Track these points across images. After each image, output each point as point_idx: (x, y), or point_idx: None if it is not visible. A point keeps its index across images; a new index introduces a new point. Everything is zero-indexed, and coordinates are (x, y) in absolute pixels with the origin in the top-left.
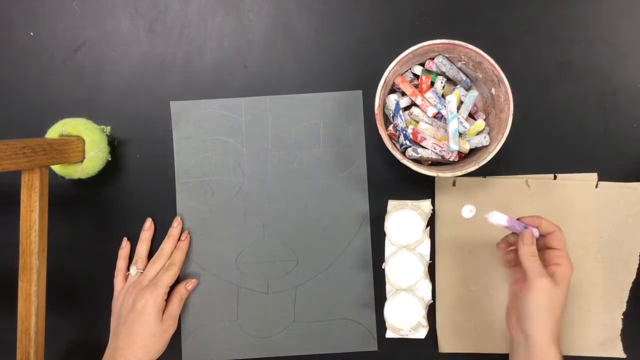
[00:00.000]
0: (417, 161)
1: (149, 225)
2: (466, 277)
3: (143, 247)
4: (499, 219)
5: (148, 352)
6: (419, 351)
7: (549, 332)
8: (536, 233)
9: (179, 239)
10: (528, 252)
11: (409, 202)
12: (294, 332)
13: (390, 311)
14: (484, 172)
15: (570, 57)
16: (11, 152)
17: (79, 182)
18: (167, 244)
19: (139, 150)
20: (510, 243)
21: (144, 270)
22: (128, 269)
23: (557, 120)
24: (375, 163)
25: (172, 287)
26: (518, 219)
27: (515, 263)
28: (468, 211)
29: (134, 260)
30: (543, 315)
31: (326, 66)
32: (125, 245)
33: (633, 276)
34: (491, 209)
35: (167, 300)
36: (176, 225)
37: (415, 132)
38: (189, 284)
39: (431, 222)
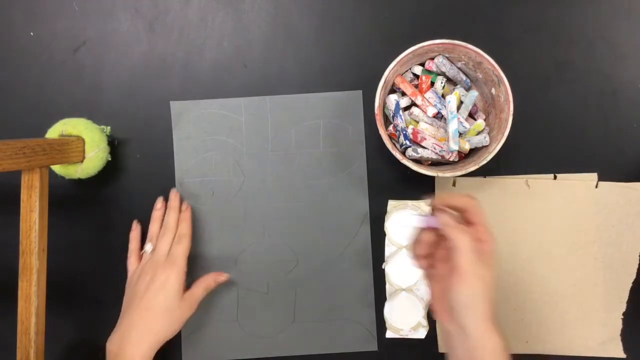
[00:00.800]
0: (417, 161)
1: (160, 204)
2: None
3: (156, 225)
4: (422, 221)
5: (163, 328)
6: (419, 351)
7: (486, 318)
8: (433, 222)
9: (180, 211)
10: (458, 230)
11: (409, 202)
12: (294, 332)
13: (390, 311)
14: (484, 172)
15: (570, 57)
16: (11, 152)
17: (79, 182)
18: (170, 217)
19: (139, 150)
20: (425, 242)
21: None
22: (140, 250)
23: (557, 120)
24: (375, 163)
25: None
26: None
27: (434, 261)
28: None
29: (148, 239)
30: (479, 303)
31: (326, 66)
32: (135, 227)
33: (633, 276)
34: (491, 209)
35: (193, 284)
36: (174, 197)
37: (415, 132)
38: (221, 277)
39: None
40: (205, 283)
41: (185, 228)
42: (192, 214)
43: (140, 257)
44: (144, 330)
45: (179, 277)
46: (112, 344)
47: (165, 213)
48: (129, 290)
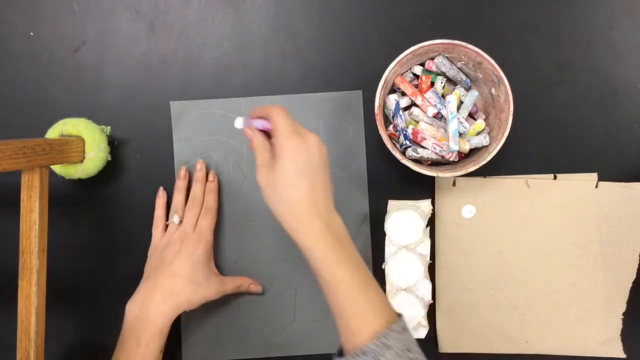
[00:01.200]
0: (417, 161)
1: (184, 174)
2: (466, 277)
3: (180, 195)
4: (245, 122)
5: (186, 295)
6: None
7: (309, 203)
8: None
9: (206, 181)
10: (271, 108)
11: (409, 202)
12: (294, 332)
13: None
14: (484, 172)
15: (570, 57)
16: (11, 152)
17: (79, 182)
18: (196, 189)
19: (139, 150)
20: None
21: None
22: (166, 220)
23: (557, 120)
24: (375, 163)
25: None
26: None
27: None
28: (468, 211)
29: (172, 210)
30: (301, 180)
31: (326, 66)
32: (162, 194)
33: (633, 276)
34: (491, 209)
35: (228, 277)
36: (200, 168)
37: (415, 132)
38: (256, 287)
39: (431, 222)
40: (240, 282)
41: (212, 201)
42: (219, 184)
43: (166, 227)
44: (168, 292)
45: (206, 251)
46: (134, 305)
47: (187, 182)
48: (155, 256)
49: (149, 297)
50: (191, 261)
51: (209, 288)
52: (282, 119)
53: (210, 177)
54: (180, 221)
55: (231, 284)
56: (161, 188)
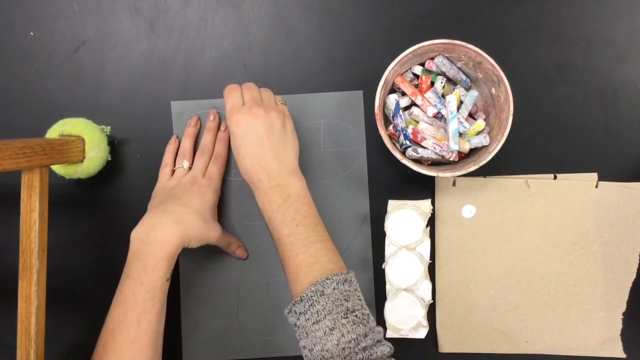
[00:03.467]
0: (417, 161)
1: (195, 122)
2: (466, 277)
3: (189, 141)
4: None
5: (194, 226)
6: (419, 351)
7: (257, 169)
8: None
9: (218, 131)
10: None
11: (409, 202)
12: (293, 332)
13: (390, 311)
14: (484, 172)
15: (570, 57)
16: (11, 152)
17: (79, 182)
18: (207, 137)
19: (139, 150)
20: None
21: (192, 164)
22: (174, 165)
23: (557, 120)
24: (375, 163)
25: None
26: None
27: None
28: (468, 211)
29: (180, 155)
30: (247, 151)
31: (326, 66)
32: (174, 141)
33: (633, 276)
34: (491, 209)
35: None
36: (212, 118)
37: (415, 132)
38: (240, 250)
39: (431, 222)
40: (233, 240)
41: (222, 149)
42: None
43: (173, 171)
44: (177, 218)
45: (215, 196)
46: (139, 230)
47: (197, 130)
48: (161, 194)
49: (157, 222)
50: (201, 200)
51: (214, 228)
52: (227, 98)
53: (223, 127)
54: (190, 167)
55: (227, 236)
56: (174, 136)
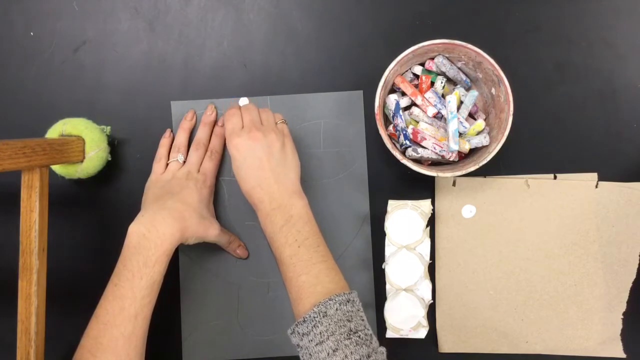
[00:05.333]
0: (417, 161)
1: (191, 116)
2: (466, 277)
3: (184, 135)
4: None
5: (193, 222)
6: (419, 351)
7: (259, 190)
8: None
9: (214, 126)
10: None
11: (409, 202)
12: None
13: (390, 311)
14: (484, 172)
15: (570, 57)
16: (11, 152)
17: (79, 182)
18: (202, 131)
19: (139, 150)
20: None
21: (186, 158)
22: (168, 159)
23: (557, 120)
24: (375, 163)
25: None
26: None
27: None
28: (468, 211)
29: (174, 149)
30: (248, 174)
31: (326, 66)
32: (168, 135)
33: (633, 276)
34: (491, 209)
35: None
36: (210, 112)
37: (415, 132)
38: (240, 250)
39: (431, 222)
40: (233, 238)
41: (218, 144)
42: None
43: (167, 165)
44: (177, 214)
45: (210, 192)
46: (140, 225)
47: (193, 124)
48: (156, 188)
49: (158, 217)
50: (198, 197)
51: (212, 225)
52: (227, 122)
53: (220, 122)
54: (184, 161)
55: (226, 234)
56: (168, 129)
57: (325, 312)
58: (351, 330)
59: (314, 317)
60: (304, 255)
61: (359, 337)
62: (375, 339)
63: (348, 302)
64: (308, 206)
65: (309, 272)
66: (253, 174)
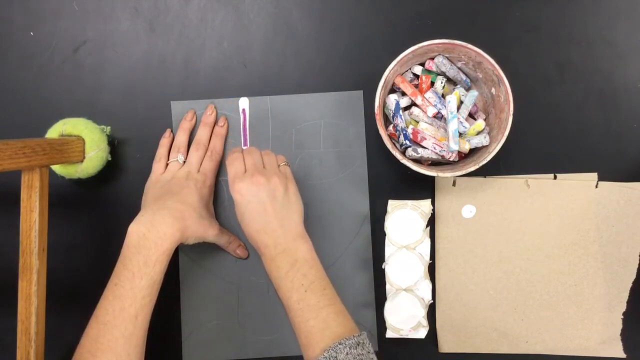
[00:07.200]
0: (417, 161)
1: (191, 116)
2: (466, 277)
3: (184, 135)
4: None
5: (193, 222)
6: (419, 351)
7: (263, 235)
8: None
9: (214, 126)
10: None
11: (409, 202)
12: (294, 332)
13: (390, 311)
14: (484, 172)
15: (570, 57)
16: (11, 152)
17: (79, 182)
18: (202, 132)
19: (139, 150)
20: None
21: (186, 158)
22: (168, 159)
23: (557, 120)
24: (375, 163)
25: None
26: None
27: None
28: (468, 211)
29: (174, 148)
30: (252, 219)
31: (326, 66)
32: (168, 135)
33: (633, 276)
34: (491, 209)
35: (224, 229)
36: (210, 113)
37: (415, 132)
38: (240, 250)
39: (431, 222)
40: (233, 239)
41: (219, 144)
42: (228, 130)
43: (167, 165)
44: (178, 214)
45: (210, 193)
46: (140, 224)
47: (193, 125)
48: (156, 188)
49: (158, 217)
50: (199, 196)
51: (211, 226)
52: (229, 167)
53: (220, 123)
54: (184, 162)
55: (226, 235)
56: (168, 129)
57: (336, 357)
58: None
59: None
60: (311, 300)
61: None
62: None
63: (358, 345)
64: (313, 249)
65: (317, 317)
66: (257, 218)
